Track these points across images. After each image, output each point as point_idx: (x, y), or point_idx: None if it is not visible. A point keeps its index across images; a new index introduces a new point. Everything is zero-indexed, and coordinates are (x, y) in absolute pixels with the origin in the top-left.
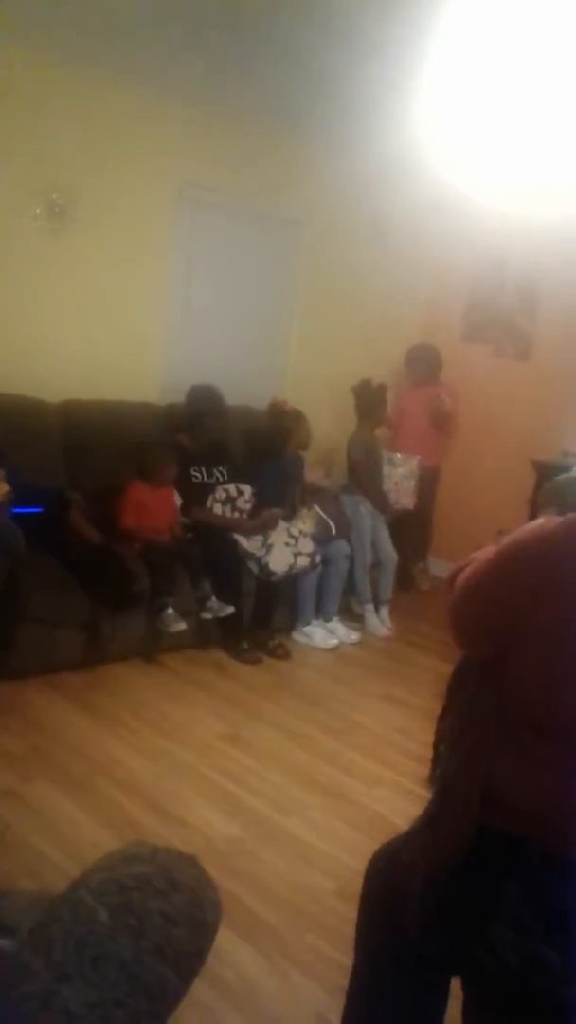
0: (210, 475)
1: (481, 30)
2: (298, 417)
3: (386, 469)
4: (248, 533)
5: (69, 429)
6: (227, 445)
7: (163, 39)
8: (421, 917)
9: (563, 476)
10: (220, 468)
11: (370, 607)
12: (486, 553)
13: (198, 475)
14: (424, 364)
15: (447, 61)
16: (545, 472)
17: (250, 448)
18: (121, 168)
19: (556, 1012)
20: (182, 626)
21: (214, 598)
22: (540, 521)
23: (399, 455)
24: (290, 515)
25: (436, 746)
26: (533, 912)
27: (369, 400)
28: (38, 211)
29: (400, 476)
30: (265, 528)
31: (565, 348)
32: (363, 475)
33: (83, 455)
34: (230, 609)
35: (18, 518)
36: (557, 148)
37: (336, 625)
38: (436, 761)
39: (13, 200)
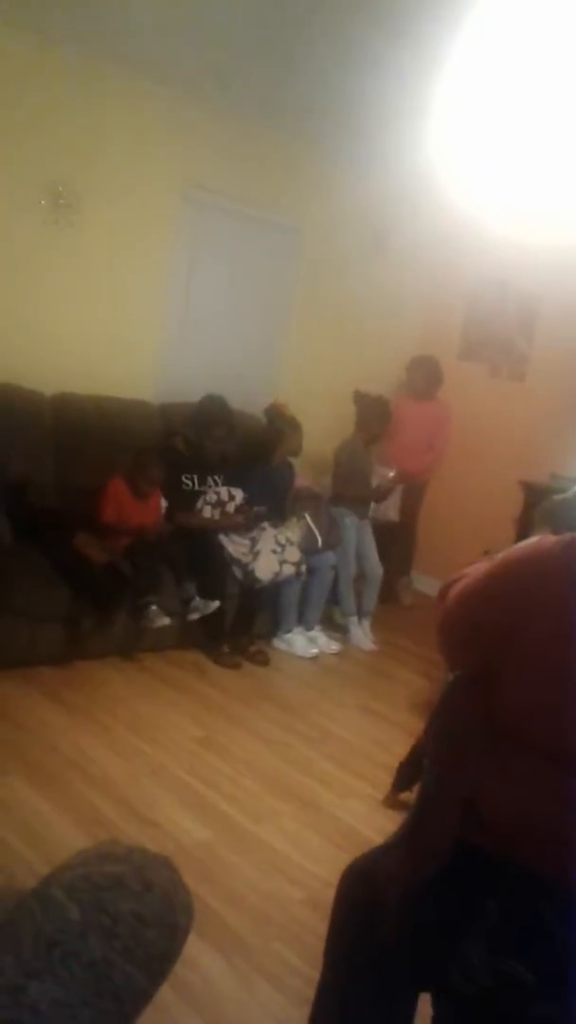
0: (203, 483)
1: (492, 55)
2: (294, 424)
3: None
4: (230, 530)
5: (61, 421)
6: (226, 456)
7: (175, 37)
8: (396, 932)
9: (559, 496)
10: (215, 477)
11: (354, 619)
12: (479, 568)
13: (189, 483)
14: (425, 375)
15: (459, 84)
16: (533, 493)
17: (242, 453)
18: (126, 164)
19: None
20: (166, 621)
21: (198, 598)
22: (536, 539)
23: (381, 466)
24: (279, 522)
25: (416, 752)
26: (509, 930)
27: (365, 410)
28: (43, 201)
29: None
30: (247, 526)
31: (560, 372)
32: (344, 476)
33: (73, 447)
34: (215, 604)
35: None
36: (566, 173)
37: (317, 634)
38: (397, 781)
39: (18, 188)
